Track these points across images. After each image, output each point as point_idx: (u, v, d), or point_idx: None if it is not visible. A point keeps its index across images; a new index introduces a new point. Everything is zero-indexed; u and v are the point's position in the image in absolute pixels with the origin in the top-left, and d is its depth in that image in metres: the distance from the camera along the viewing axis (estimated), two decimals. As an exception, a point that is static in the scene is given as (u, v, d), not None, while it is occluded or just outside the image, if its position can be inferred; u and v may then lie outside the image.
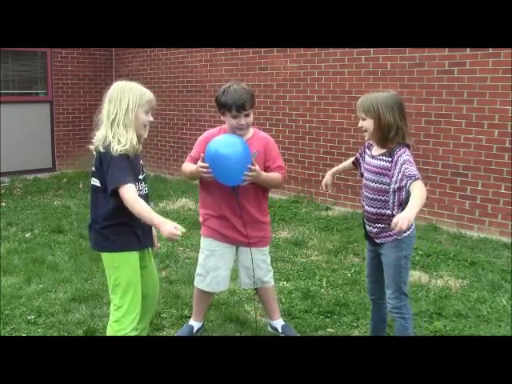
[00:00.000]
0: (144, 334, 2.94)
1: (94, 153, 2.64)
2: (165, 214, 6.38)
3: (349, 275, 4.48)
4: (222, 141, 3.06)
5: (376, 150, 2.84)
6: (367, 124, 2.76)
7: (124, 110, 2.57)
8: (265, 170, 3.18)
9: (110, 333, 2.71)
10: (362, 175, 2.98)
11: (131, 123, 2.58)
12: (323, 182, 3.23)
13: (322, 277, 4.45)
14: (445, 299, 3.96)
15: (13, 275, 4.42)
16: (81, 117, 9.52)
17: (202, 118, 8.40)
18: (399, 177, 2.68)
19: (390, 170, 2.73)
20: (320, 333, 3.49)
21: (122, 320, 2.67)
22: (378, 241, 2.86)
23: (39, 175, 8.85)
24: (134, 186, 2.55)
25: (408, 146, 2.76)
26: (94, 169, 2.65)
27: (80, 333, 3.44)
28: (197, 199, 6.88)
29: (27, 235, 5.55)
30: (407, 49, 5.91)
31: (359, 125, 2.82)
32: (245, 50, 7.61)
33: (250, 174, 3.01)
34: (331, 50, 6.62)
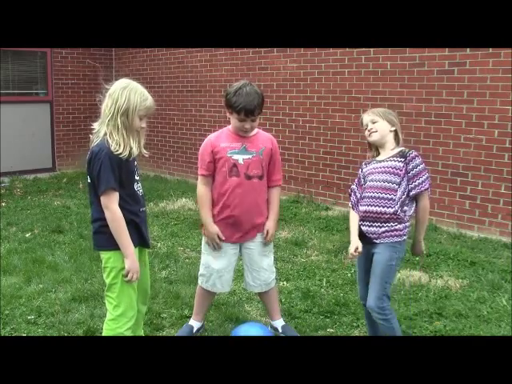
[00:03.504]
0: (141, 333, 2.94)
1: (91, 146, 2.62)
2: (165, 213, 6.38)
3: (349, 275, 4.48)
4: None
5: (383, 155, 2.97)
6: (380, 125, 2.95)
7: (121, 110, 2.53)
8: (267, 173, 3.24)
9: (105, 331, 2.71)
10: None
11: (129, 126, 2.55)
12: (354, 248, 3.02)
13: (322, 277, 4.45)
14: (445, 299, 3.96)
15: (13, 275, 4.42)
16: (81, 117, 9.53)
17: (202, 118, 8.40)
18: (411, 176, 2.86)
19: (401, 170, 2.86)
20: (320, 333, 3.49)
21: (119, 319, 2.67)
22: (377, 241, 2.88)
23: (39, 175, 8.85)
24: (117, 194, 2.56)
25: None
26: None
27: (80, 333, 3.44)
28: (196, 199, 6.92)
29: (27, 235, 5.55)
30: (407, 49, 5.91)
31: (369, 127, 2.96)
32: (245, 50, 7.61)
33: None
34: (331, 50, 6.61)
